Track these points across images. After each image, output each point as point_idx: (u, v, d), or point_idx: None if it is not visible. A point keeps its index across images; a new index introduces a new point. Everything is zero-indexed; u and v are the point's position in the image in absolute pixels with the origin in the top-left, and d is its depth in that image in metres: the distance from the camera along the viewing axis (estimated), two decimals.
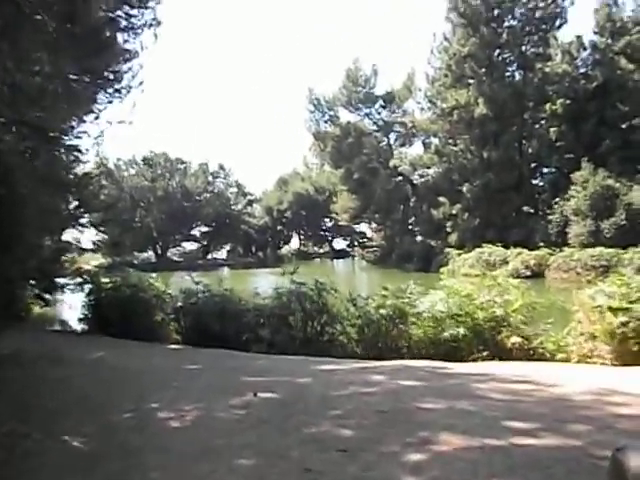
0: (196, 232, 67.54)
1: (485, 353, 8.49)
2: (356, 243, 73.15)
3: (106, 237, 58.89)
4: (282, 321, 10.36)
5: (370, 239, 70.65)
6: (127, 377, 6.28)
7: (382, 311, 9.30)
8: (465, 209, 37.01)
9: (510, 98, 38.14)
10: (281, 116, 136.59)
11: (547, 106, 37.63)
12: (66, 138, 14.34)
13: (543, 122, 39.75)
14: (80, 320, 13.68)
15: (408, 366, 6.50)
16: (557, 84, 37.61)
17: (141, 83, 14.03)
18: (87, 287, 13.36)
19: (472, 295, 9.43)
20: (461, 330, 8.62)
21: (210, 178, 65.51)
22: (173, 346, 10.46)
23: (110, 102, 13.69)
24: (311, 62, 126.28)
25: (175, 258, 63.49)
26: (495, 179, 36.47)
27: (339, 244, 78.37)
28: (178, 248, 67.60)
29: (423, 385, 5.29)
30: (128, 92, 13.85)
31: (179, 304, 11.34)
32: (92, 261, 52.17)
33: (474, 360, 8.41)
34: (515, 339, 8.61)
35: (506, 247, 33.03)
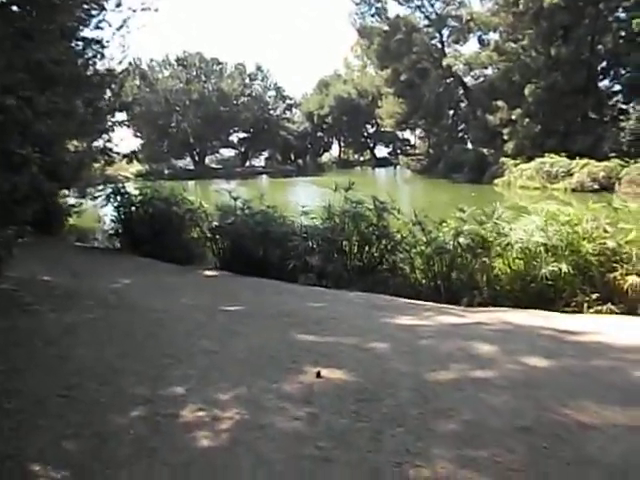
0: (234, 138, 65.35)
1: (594, 296, 6.75)
2: (399, 151, 69.95)
3: (142, 142, 57.98)
4: (335, 247, 8.80)
5: (414, 147, 67.34)
6: (149, 330, 4.88)
7: (461, 239, 7.55)
8: (525, 114, 33.45)
9: None
10: (321, 11, 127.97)
11: None
12: (83, 29, 12.43)
13: (622, 14, 34.65)
14: (111, 236, 12.52)
15: (517, 325, 4.84)
16: None
17: None
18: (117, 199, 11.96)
19: (573, 221, 7.53)
20: (563, 267, 6.83)
21: (247, 80, 62.01)
22: (209, 272, 9.10)
23: None
24: None
25: (213, 165, 62.15)
26: (562, 80, 32.52)
27: (381, 152, 75.20)
28: (216, 155, 65.96)
29: (559, 367, 3.66)
30: None
31: (215, 224, 9.85)
32: (130, 169, 51.53)
33: (579, 306, 6.70)
34: (634, 279, 6.79)
35: (570, 158, 30.03)
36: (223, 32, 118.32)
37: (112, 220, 12.08)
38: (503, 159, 34.11)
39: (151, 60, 57.18)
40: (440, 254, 8.00)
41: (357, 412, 3.05)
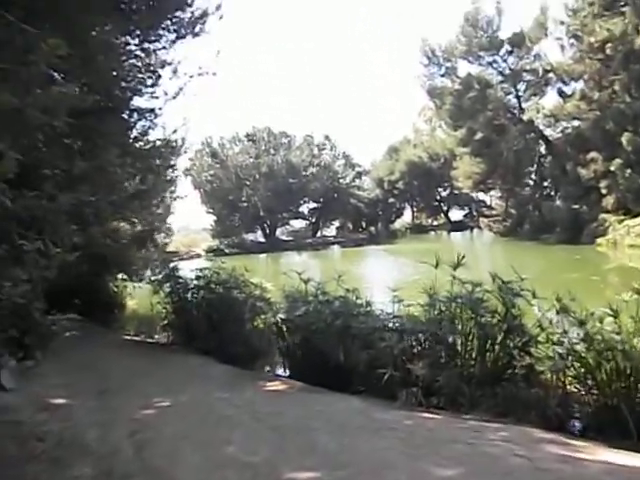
0: (304, 209, 64.80)
1: None
2: (474, 213, 66.74)
3: (215, 219, 58.56)
4: (445, 348, 6.29)
5: (491, 208, 63.85)
6: None
7: None
8: (626, 165, 29.94)
9: None
10: (387, 80, 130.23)
11: None
12: (135, 97, 11.30)
13: None
14: (163, 328, 10.79)
15: None
16: None
17: (218, 8, 10.43)
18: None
19: None
20: None
21: (316, 151, 62.02)
22: (274, 385, 6.82)
23: (180, 37, 10.29)
24: (424, 9, 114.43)
25: (284, 237, 61.52)
26: None
27: (455, 215, 72.20)
28: (286, 227, 65.53)
29: None
30: (202, 21, 10.32)
31: (280, 316, 7.69)
32: (202, 244, 51.44)
33: None
34: None
35: None
36: (291, 105, 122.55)
37: (164, 309, 10.34)
38: (603, 215, 30.36)
39: (221, 138, 58.73)
40: (611, 360, 5.32)
41: None
